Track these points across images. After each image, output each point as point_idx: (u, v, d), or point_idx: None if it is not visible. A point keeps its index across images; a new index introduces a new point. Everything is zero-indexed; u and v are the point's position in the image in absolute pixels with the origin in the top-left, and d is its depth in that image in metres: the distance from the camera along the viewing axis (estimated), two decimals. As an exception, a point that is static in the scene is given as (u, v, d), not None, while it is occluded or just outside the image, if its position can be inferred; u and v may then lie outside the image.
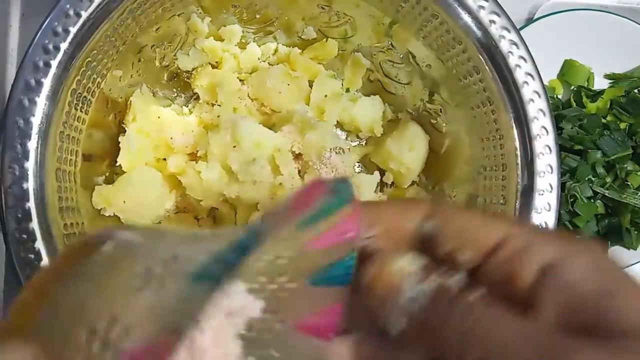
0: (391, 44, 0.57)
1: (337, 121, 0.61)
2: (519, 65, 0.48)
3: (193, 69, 0.59)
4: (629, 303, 0.23)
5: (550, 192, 0.47)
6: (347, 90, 0.62)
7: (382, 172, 0.61)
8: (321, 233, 0.26)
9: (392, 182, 0.61)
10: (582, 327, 0.23)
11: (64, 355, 0.21)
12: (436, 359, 0.25)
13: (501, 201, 0.49)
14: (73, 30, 0.45)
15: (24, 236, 0.42)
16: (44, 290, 0.23)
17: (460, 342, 0.23)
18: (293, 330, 0.27)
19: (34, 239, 0.42)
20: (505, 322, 0.23)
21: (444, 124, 0.57)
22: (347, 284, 0.26)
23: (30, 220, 0.42)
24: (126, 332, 0.21)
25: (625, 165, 0.64)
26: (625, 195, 0.63)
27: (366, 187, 0.57)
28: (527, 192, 0.47)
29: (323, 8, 0.57)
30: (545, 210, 0.47)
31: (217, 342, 0.23)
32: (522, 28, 0.65)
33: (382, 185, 0.61)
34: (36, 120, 0.43)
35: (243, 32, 0.59)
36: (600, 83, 0.68)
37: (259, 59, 0.61)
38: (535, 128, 0.48)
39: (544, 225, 0.46)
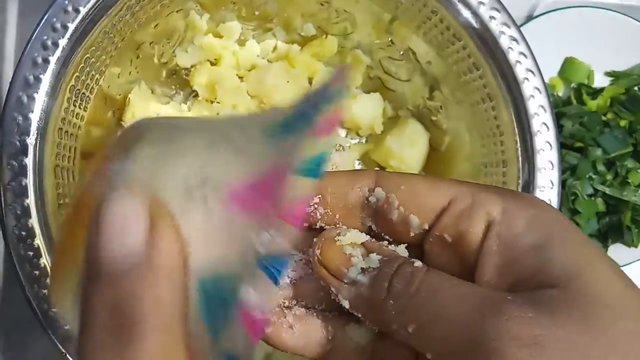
0: (391, 40, 0.57)
1: (337, 118, 0.60)
2: (519, 62, 0.48)
3: (192, 66, 0.59)
4: (563, 253, 0.23)
5: (552, 188, 0.47)
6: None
7: (383, 170, 0.60)
8: (317, 123, 0.26)
9: (393, 180, 0.61)
10: (521, 282, 0.24)
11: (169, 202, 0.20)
12: (386, 332, 0.25)
13: (502, 198, 0.49)
14: (72, 26, 0.44)
15: (23, 233, 0.42)
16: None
17: (399, 313, 0.24)
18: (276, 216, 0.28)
19: (33, 236, 0.42)
20: (445, 288, 0.24)
21: (445, 121, 0.57)
22: (319, 177, 0.27)
23: (30, 217, 0.42)
24: (221, 181, 0.21)
25: (626, 163, 0.64)
26: (625, 193, 0.63)
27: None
28: (528, 188, 0.47)
29: (322, 5, 0.56)
30: (546, 206, 0.46)
31: None
32: (521, 25, 0.64)
33: (382, 182, 0.61)
34: (35, 117, 0.43)
35: (242, 29, 0.59)
36: (600, 81, 0.68)
37: (258, 55, 0.60)
38: (535, 124, 0.47)
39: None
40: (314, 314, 0.28)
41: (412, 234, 0.27)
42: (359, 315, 0.26)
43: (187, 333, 0.20)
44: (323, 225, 0.28)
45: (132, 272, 0.20)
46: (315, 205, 0.28)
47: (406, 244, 0.27)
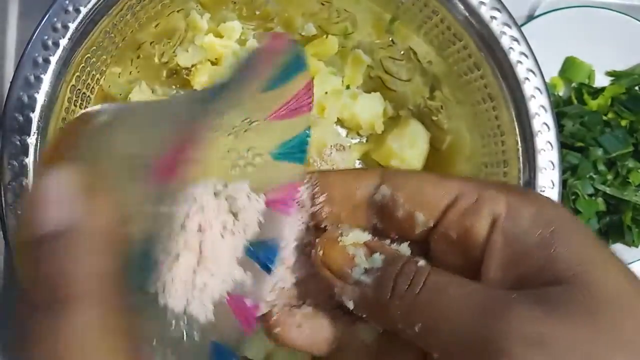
0: (392, 40, 0.57)
1: (338, 118, 0.60)
2: (520, 62, 0.48)
3: (192, 66, 0.59)
4: (569, 249, 0.23)
5: (552, 188, 0.47)
6: (348, 87, 0.61)
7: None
8: (283, 103, 0.26)
9: (393, 180, 0.61)
10: (526, 278, 0.24)
11: (105, 175, 0.21)
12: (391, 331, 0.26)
13: (503, 198, 0.49)
14: (72, 26, 0.44)
15: (23, 233, 0.42)
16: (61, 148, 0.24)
17: (405, 313, 0.24)
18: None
19: (34, 236, 0.42)
20: (449, 287, 0.24)
21: (445, 121, 0.57)
22: (303, 162, 0.28)
23: (30, 217, 0.42)
24: (156, 154, 0.21)
25: (627, 163, 0.64)
26: (626, 193, 0.63)
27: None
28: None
29: (323, 4, 0.56)
30: (547, 206, 0.46)
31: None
32: (522, 25, 0.64)
33: (382, 182, 0.61)
34: (35, 117, 0.43)
35: (243, 28, 0.59)
36: (601, 80, 0.68)
37: (259, 55, 0.60)
38: (536, 124, 0.47)
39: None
40: (322, 312, 0.28)
41: (417, 231, 0.27)
42: (364, 316, 0.26)
43: (121, 305, 0.19)
44: (328, 224, 0.28)
45: (64, 243, 0.19)
46: (322, 204, 0.28)
47: (410, 242, 0.27)
